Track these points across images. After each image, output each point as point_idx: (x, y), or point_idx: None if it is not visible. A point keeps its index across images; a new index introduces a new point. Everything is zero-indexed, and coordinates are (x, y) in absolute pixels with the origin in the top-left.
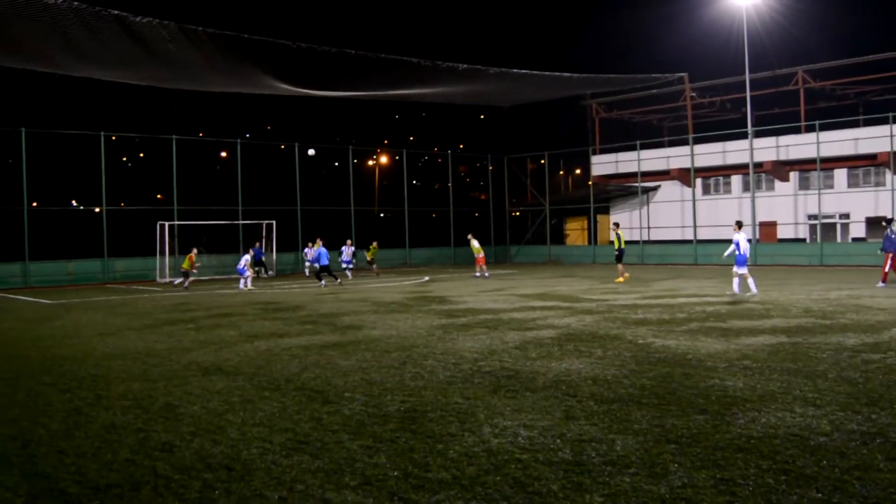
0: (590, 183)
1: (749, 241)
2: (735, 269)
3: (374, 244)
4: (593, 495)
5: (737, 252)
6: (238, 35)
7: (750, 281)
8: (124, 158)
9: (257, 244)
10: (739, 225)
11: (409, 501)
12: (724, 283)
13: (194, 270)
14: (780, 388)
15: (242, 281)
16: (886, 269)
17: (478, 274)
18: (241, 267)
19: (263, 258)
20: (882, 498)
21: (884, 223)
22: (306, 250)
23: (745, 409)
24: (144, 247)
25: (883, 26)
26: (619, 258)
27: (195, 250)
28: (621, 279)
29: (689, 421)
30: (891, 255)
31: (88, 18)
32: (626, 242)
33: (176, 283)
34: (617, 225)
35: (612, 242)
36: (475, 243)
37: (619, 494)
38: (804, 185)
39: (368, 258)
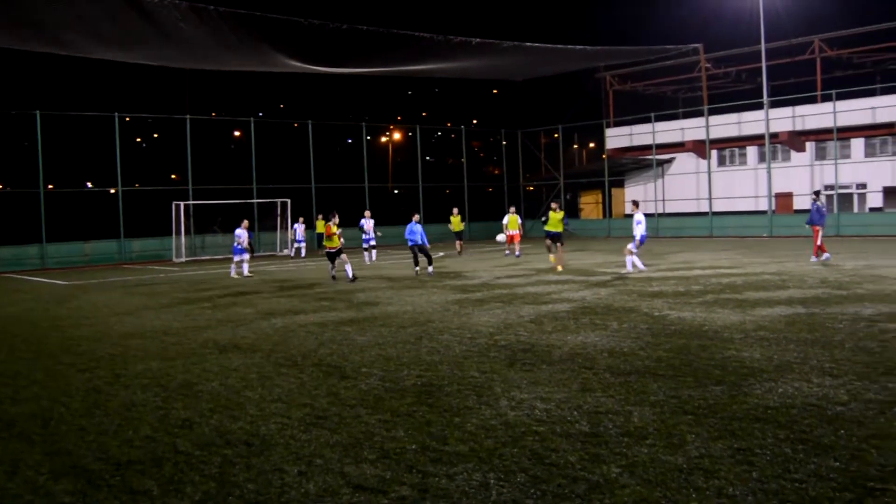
0: (604, 156)
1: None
2: (630, 247)
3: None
4: (610, 466)
5: (638, 231)
6: (250, 13)
7: (633, 259)
8: (138, 139)
9: (246, 222)
10: (637, 204)
11: (428, 474)
12: (739, 254)
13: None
14: (796, 358)
15: (234, 267)
16: (819, 243)
17: (508, 252)
18: (239, 246)
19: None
20: None
21: (813, 196)
22: (295, 227)
23: (761, 379)
24: (160, 227)
25: None
26: (554, 238)
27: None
28: (556, 263)
29: (706, 392)
30: (819, 228)
31: None
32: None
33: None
34: (558, 204)
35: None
36: (517, 217)
37: (636, 465)
38: (821, 155)
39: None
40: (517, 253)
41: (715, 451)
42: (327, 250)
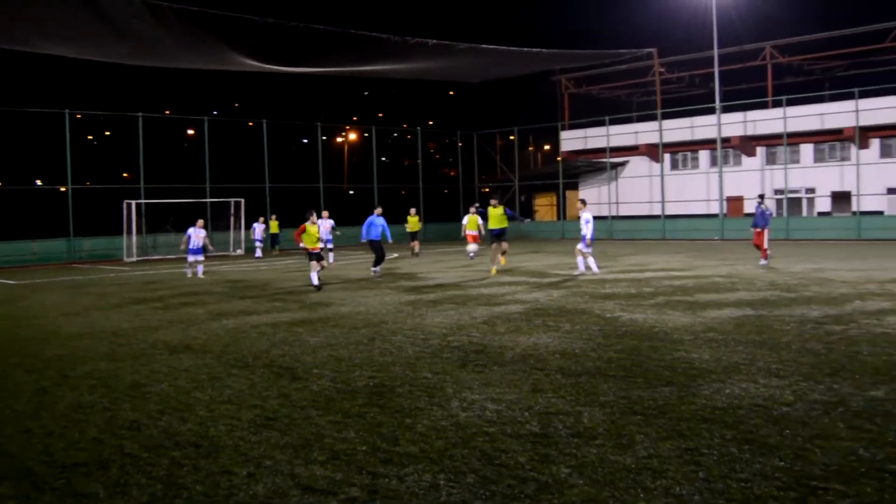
0: (559, 159)
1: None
2: (580, 247)
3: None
4: (560, 467)
5: (587, 230)
6: (205, 11)
7: (586, 260)
8: (90, 137)
9: (201, 221)
10: (584, 203)
11: (378, 475)
12: (691, 256)
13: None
14: (744, 359)
15: (189, 268)
16: (766, 246)
17: (472, 255)
18: (199, 247)
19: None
20: (843, 465)
21: (758, 199)
22: (254, 226)
23: (710, 380)
24: (111, 226)
25: (849, 1)
26: (498, 235)
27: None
28: (496, 268)
29: (655, 392)
30: (764, 231)
31: None
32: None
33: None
34: (497, 200)
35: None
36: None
37: (585, 465)
38: (771, 160)
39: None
40: (471, 255)
41: (663, 451)
42: (309, 251)
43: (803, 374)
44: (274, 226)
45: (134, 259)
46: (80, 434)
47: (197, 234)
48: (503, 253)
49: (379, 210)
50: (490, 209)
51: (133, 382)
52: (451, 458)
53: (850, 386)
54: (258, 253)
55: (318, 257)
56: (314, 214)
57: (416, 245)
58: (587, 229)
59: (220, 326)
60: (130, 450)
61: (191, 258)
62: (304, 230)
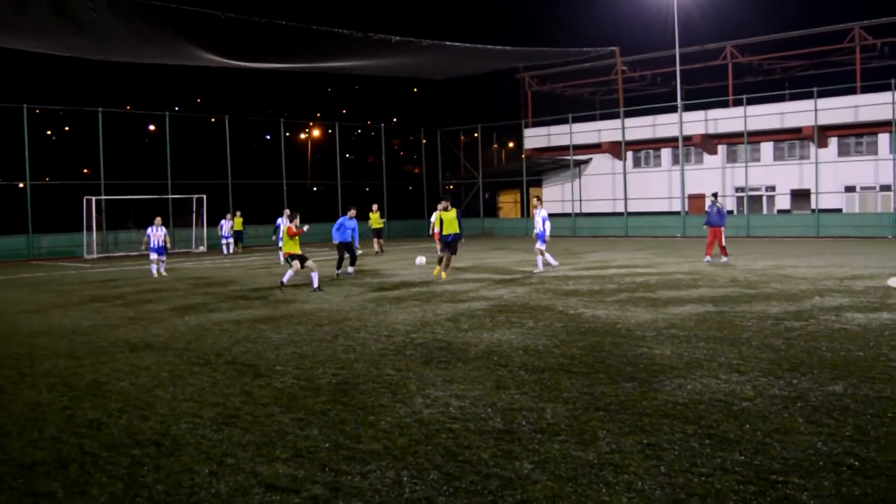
0: (523, 156)
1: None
2: (539, 245)
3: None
4: (523, 462)
5: (542, 228)
6: (165, 5)
7: (545, 257)
8: (49, 132)
9: (159, 219)
10: (540, 200)
11: (341, 472)
12: (653, 253)
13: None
14: (705, 355)
15: (154, 266)
16: (723, 244)
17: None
18: (160, 246)
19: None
20: (801, 459)
21: (711, 198)
22: (222, 223)
23: (671, 376)
24: (71, 223)
25: (807, 1)
26: (453, 241)
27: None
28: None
29: (618, 388)
30: (720, 229)
31: None
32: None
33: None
34: (448, 202)
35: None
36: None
37: (548, 461)
38: (732, 158)
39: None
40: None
41: (625, 446)
42: (291, 255)
43: (763, 370)
44: (238, 222)
45: (95, 256)
46: (38, 433)
47: (156, 233)
48: (447, 267)
49: (353, 212)
50: (442, 213)
51: (93, 381)
52: (415, 455)
53: (809, 381)
54: (225, 249)
55: (302, 259)
56: (297, 216)
57: (379, 243)
58: (545, 227)
59: (183, 323)
60: (90, 448)
61: (153, 256)
62: (292, 232)
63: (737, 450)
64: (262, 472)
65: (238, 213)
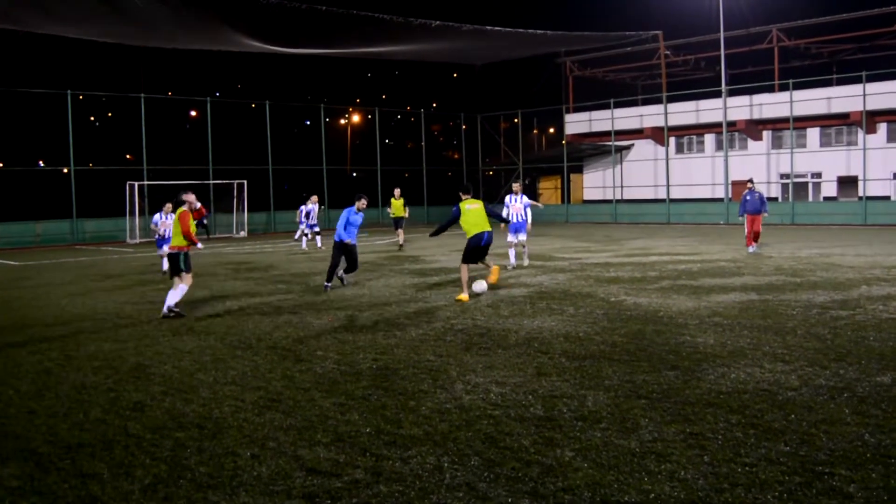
0: (563, 142)
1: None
2: (522, 238)
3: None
4: (564, 450)
5: (524, 216)
6: None
7: (513, 253)
8: (92, 118)
9: (168, 205)
10: (519, 186)
11: (382, 457)
12: (696, 241)
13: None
14: (749, 344)
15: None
16: (758, 230)
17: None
18: (170, 237)
19: (207, 221)
20: (848, 450)
21: (749, 183)
22: (306, 208)
23: (714, 364)
24: (114, 207)
25: None
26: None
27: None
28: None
29: (660, 377)
30: (759, 216)
31: None
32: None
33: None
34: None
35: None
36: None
37: (589, 448)
38: (777, 144)
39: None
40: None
41: (668, 435)
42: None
43: (809, 360)
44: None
45: (137, 241)
46: (84, 415)
47: (164, 221)
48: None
49: (362, 203)
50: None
51: (137, 364)
52: (455, 441)
53: (856, 371)
54: (304, 241)
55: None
56: (190, 195)
57: (400, 234)
58: (527, 215)
59: (224, 308)
60: (134, 431)
61: (164, 249)
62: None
63: (782, 440)
64: (303, 455)
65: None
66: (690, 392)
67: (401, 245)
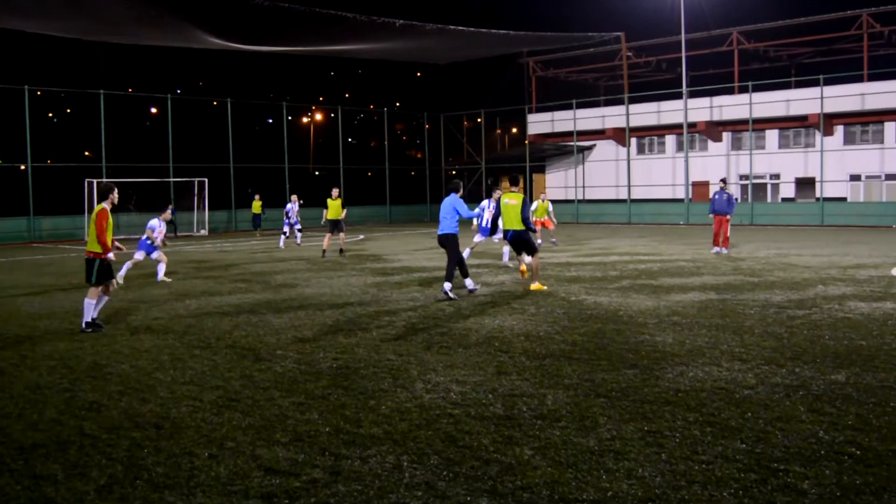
0: (526, 142)
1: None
2: (496, 238)
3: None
4: (523, 448)
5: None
6: None
7: (467, 252)
8: (50, 114)
9: (170, 206)
10: (498, 188)
11: (341, 457)
12: (656, 241)
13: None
14: (707, 343)
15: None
16: (728, 234)
17: (541, 242)
18: (149, 241)
19: (174, 216)
20: (803, 447)
21: (721, 183)
22: (288, 206)
23: (673, 363)
24: (72, 205)
25: None
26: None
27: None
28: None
29: (619, 375)
30: (726, 217)
31: None
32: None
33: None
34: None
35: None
36: (548, 204)
37: (548, 447)
38: (736, 145)
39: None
40: (552, 240)
41: (626, 433)
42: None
43: (766, 358)
44: (256, 206)
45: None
46: (38, 415)
47: (161, 230)
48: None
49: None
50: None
51: (93, 363)
52: (415, 440)
53: (812, 370)
54: (295, 234)
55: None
56: (116, 192)
57: (341, 238)
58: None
59: (183, 307)
60: (90, 431)
61: (139, 256)
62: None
63: (738, 438)
64: (261, 455)
65: (257, 197)
66: (649, 390)
67: (341, 250)
